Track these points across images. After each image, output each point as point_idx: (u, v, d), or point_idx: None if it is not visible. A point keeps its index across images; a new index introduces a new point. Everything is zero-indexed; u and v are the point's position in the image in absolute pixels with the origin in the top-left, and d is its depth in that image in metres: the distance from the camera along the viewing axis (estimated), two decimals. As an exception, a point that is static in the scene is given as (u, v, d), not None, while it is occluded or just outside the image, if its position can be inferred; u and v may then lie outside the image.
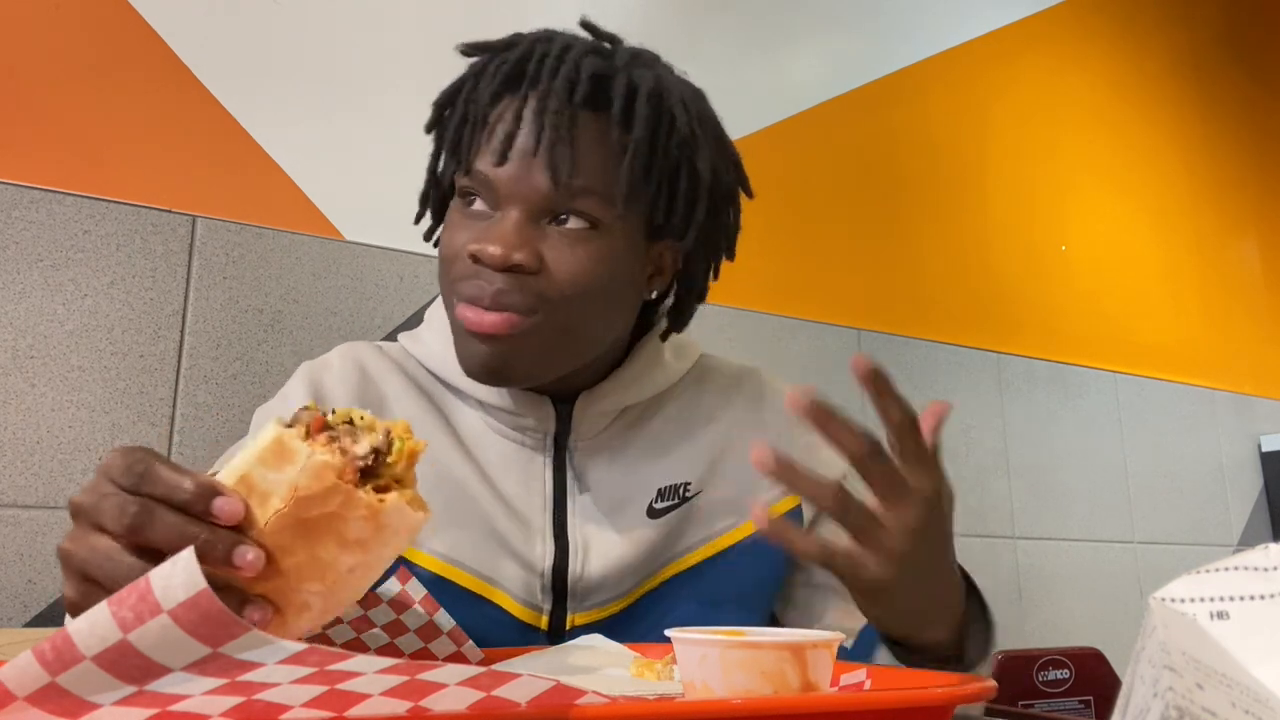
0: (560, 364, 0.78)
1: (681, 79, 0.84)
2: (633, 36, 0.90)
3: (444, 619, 0.65)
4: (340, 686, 0.35)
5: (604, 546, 0.81)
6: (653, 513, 0.83)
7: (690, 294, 0.87)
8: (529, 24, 1.48)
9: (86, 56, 1.23)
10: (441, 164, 0.85)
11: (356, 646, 0.61)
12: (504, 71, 0.78)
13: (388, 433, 0.47)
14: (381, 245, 1.38)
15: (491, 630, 0.79)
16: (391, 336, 1.35)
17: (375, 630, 0.63)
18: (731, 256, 0.87)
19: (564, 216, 0.75)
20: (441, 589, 0.76)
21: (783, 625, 0.90)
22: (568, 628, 0.81)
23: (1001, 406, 2.06)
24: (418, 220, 0.90)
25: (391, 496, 0.46)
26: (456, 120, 0.79)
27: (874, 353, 1.89)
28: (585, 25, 0.85)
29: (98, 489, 0.46)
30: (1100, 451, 2.22)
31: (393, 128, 1.43)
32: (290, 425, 0.46)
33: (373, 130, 1.42)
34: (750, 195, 0.86)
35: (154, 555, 0.45)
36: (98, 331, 1.18)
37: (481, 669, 0.36)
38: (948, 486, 0.65)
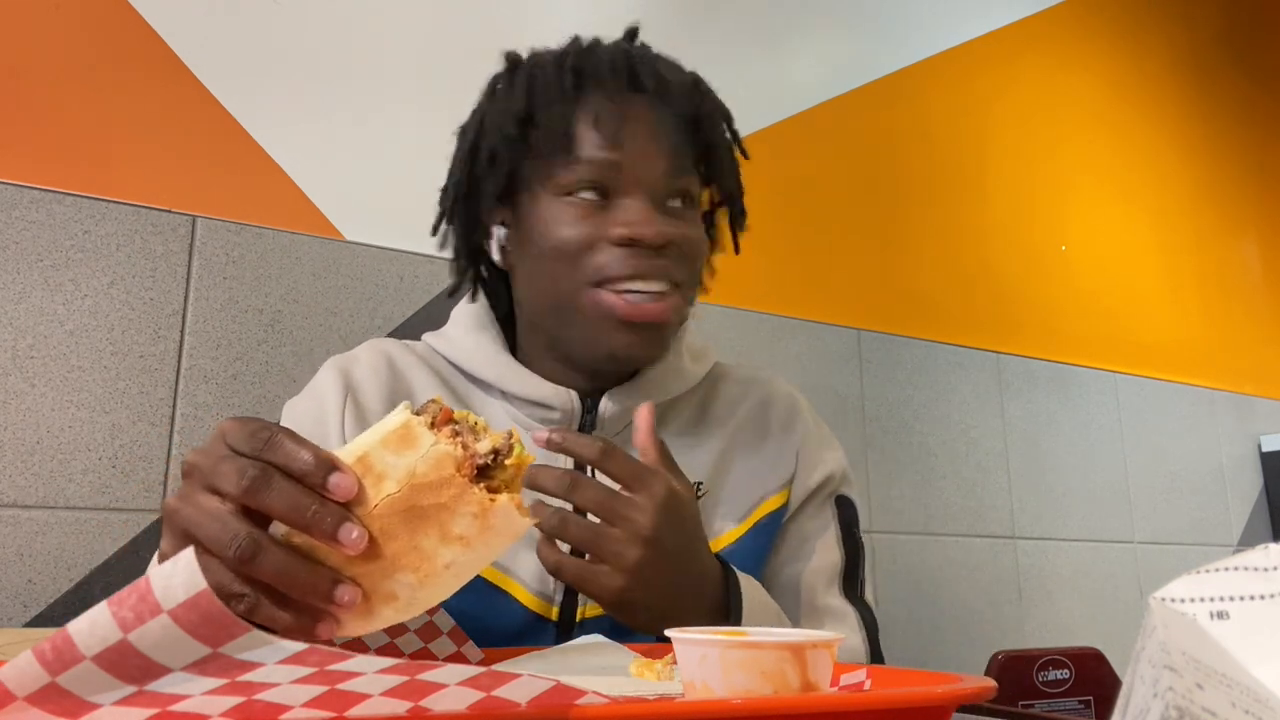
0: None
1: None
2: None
3: (444, 619, 0.65)
4: (340, 686, 0.35)
5: None
6: None
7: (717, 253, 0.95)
8: (529, 23, 1.49)
9: (86, 56, 1.23)
10: (519, 170, 0.85)
11: (357, 646, 0.61)
12: (569, 74, 0.82)
13: (510, 435, 0.48)
14: (381, 245, 1.38)
15: (503, 620, 0.80)
16: (392, 337, 1.35)
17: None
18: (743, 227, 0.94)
19: (673, 198, 0.82)
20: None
21: None
22: (577, 620, 0.82)
23: (1001, 406, 2.06)
24: (468, 234, 0.91)
25: (503, 497, 0.46)
26: (547, 123, 0.81)
27: (874, 352, 1.89)
28: (629, 32, 0.92)
29: (214, 451, 0.47)
30: (1100, 451, 2.22)
31: (393, 128, 1.43)
32: (419, 414, 0.47)
33: (373, 130, 1.42)
34: (746, 156, 0.93)
35: (261, 521, 0.47)
36: (98, 331, 1.18)
37: (481, 669, 0.36)
38: (678, 489, 0.69)
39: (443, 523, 0.46)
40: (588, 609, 0.83)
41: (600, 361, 0.82)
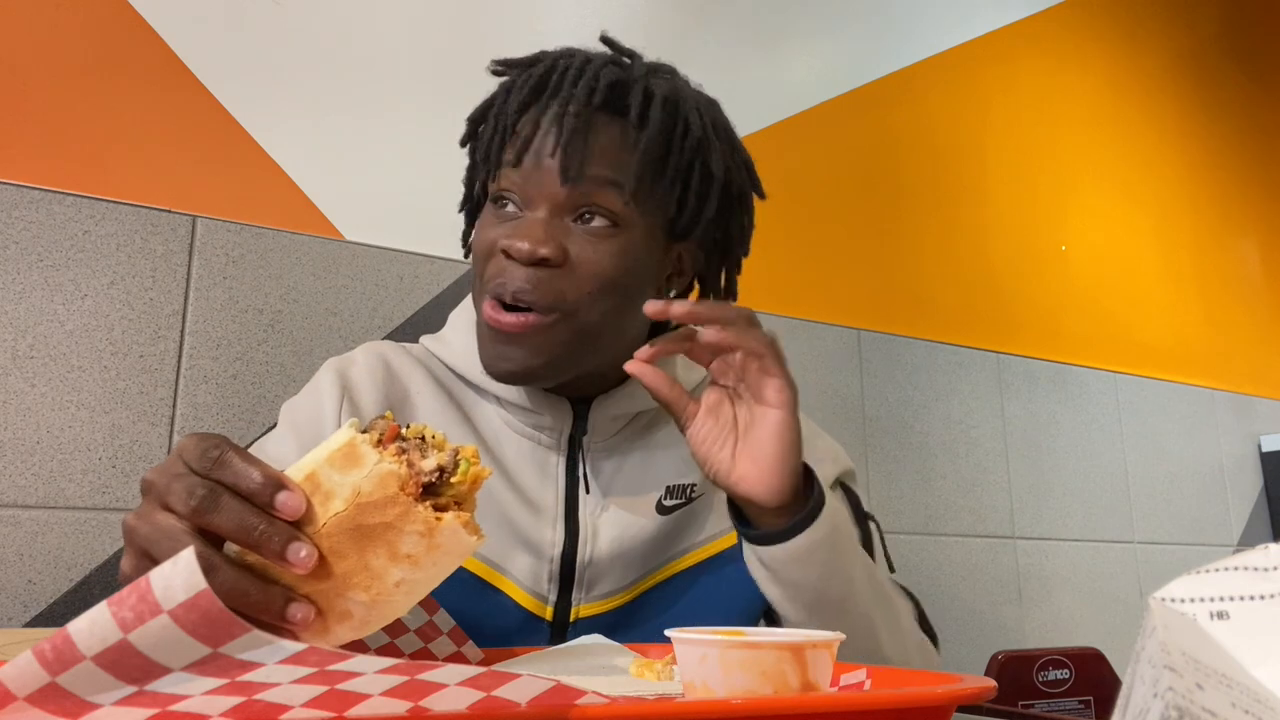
0: (578, 363, 0.81)
1: (697, 90, 0.88)
2: (633, 36, 0.90)
3: (444, 619, 0.65)
4: (340, 686, 0.35)
5: (614, 533, 0.83)
6: (661, 509, 0.86)
7: (708, 296, 0.90)
8: (530, 23, 1.49)
9: (86, 56, 1.23)
10: (476, 175, 0.89)
11: (357, 646, 0.61)
12: (529, 85, 0.82)
13: (455, 453, 0.47)
14: (381, 245, 1.38)
15: (496, 618, 0.80)
16: (391, 337, 1.35)
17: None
18: (746, 253, 0.91)
19: (588, 215, 0.78)
20: (452, 576, 0.77)
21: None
22: (571, 619, 0.82)
23: (1001, 406, 2.06)
24: (465, 238, 0.92)
25: (448, 517, 0.46)
26: (488, 132, 0.83)
27: (874, 352, 1.89)
28: (605, 40, 0.89)
29: (170, 469, 0.47)
30: (1100, 451, 2.22)
31: (393, 128, 1.43)
32: (365, 431, 0.46)
33: (373, 130, 1.42)
34: (763, 197, 0.90)
35: (215, 540, 0.47)
36: (98, 331, 1.18)
37: (481, 669, 0.36)
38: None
39: (390, 542, 0.45)
40: (582, 608, 0.83)
41: (489, 372, 0.81)
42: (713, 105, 0.87)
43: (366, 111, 1.42)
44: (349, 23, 1.43)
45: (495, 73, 0.88)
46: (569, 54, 0.85)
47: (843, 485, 0.92)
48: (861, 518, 0.90)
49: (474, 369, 0.86)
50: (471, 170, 0.89)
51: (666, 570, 0.86)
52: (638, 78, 0.82)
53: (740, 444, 0.74)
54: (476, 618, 0.77)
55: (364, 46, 1.43)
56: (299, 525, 0.45)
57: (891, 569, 0.90)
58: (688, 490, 0.87)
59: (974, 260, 2.12)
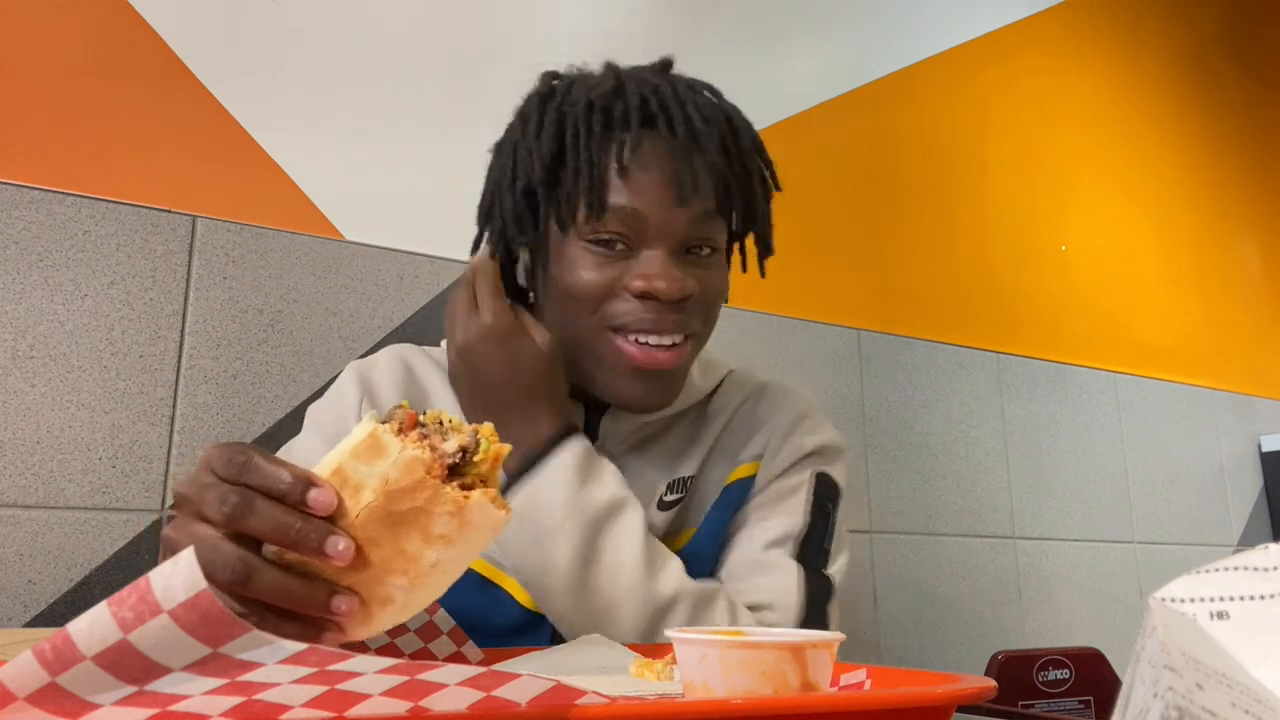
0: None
1: (703, 87, 0.90)
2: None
3: (444, 619, 0.65)
4: (340, 686, 0.35)
5: None
6: (663, 505, 0.88)
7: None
8: (531, 23, 1.48)
9: (86, 56, 1.23)
10: (552, 205, 0.85)
11: (357, 646, 0.61)
12: (600, 116, 0.82)
13: (475, 433, 0.49)
14: (381, 245, 1.38)
15: (498, 617, 0.81)
16: (392, 337, 1.35)
17: (375, 630, 0.63)
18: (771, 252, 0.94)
19: (699, 247, 0.83)
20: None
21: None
22: None
23: (1001, 406, 2.06)
24: (478, 243, 0.92)
25: (476, 494, 0.47)
26: (575, 165, 0.82)
27: (874, 352, 1.89)
28: (665, 63, 0.91)
29: (199, 480, 0.49)
30: (1100, 451, 2.22)
31: (393, 128, 1.43)
32: (384, 422, 0.48)
33: (373, 130, 1.42)
34: (778, 188, 0.92)
35: (253, 544, 0.48)
36: (98, 331, 1.18)
37: (481, 669, 0.36)
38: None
39: (423, 525, 0.47)
40: None
41: (612, 402, 0.85)
42: (736, 109, 0.90)
43: (366, 111, 1.42)
44: (349, 23, 1.43)
45: (546, 92, 0.87)
46: (613, 73, 0.86)
47: (819, 475, 0.91)
48: (820, 511, 0.89)
49: None
50: (530, 200, 0.85)
51: None
52: (686, 93, 0.84)
53: None
54: (479, 617, 0.78)
55: (364, 46, 1.43)
56: (333, 520, 0.47)
57: (823, 564, 0.87)
58: (684, 483, 0.90)
59: (974, 260, 2.12)
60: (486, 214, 0.89)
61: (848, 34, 2.03)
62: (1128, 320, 2.39)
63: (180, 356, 1.22)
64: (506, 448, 0.50)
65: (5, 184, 1.15)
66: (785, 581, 0.84)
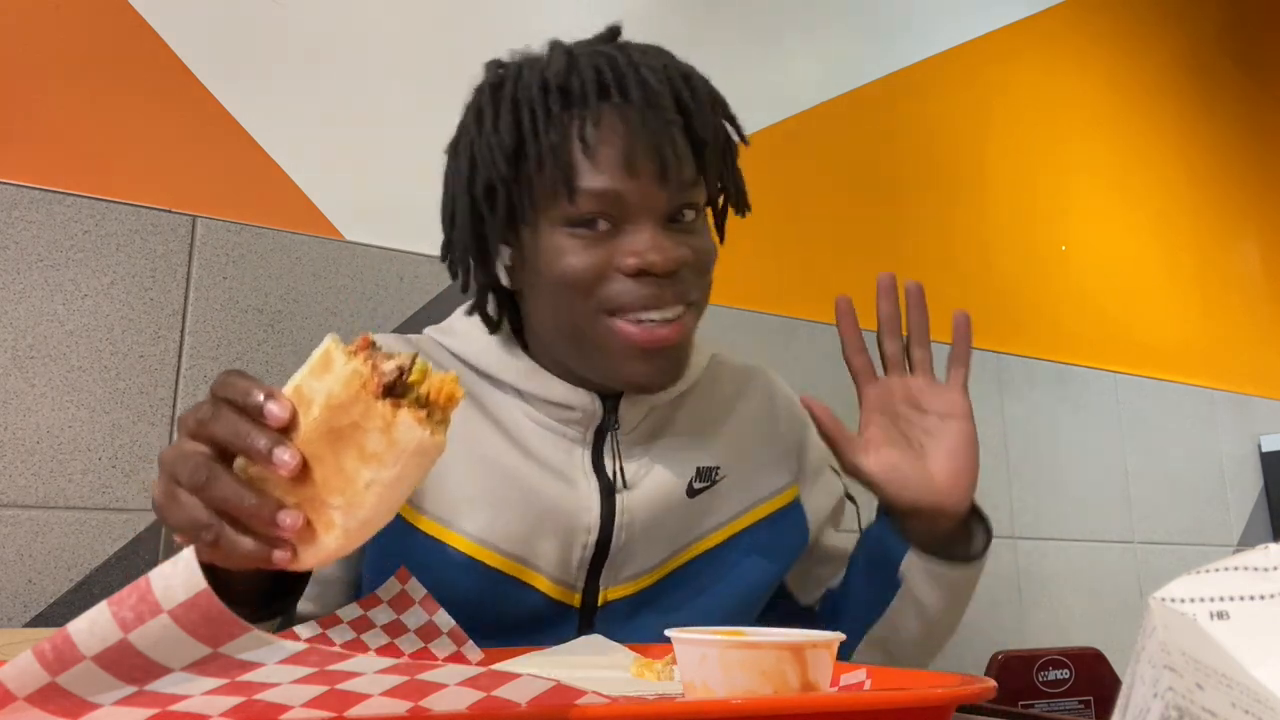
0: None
1: (655, 50, 0.87)
2: (633, 37, 0.90)
3: (444, 619, 0.65)
4: (340, 686, 0.35)
5: (646, 519, 0.84)
6: (691, 491, 0.88)
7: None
8: (530, 23, 1.48)
9: (87, 57, 1.23)
10: (515, 198, 0.81)
11: (356, 646, 0.61)
12: (557, 95, 0.79)
13: (414, 356, 0.50)
14: (381, 245, 1.38)
15: (525, 611, 0.80)
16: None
17: (375, 630, 0.63)
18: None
19: (679, 214, 0.81)
20: (474, 572, 0.77)
21: (793, 597, 0.98)
22: (599, 604, 0.83)
23: (1001, 406, 2.06)
24: (448, 249, 0.89)
25: (403, 411, 0.48)
26: (543, 159, 0.78)
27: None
28: (613, 32, 0.90)
29: (199, 404, 0.53)
30: (1100, 451, 2.22)
31: (393, 128, 1.43)
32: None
33: (373, 130, 1.42)
34: (745, 143, 0.90)
35: (227, 458, 0.51)
36: (98, 331, 1.18)
37: (481, 669, 0.36)
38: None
39: (358, 442, 0.48)
40: (610, 591, 0.84)
41: (618, 387, 0.84)
42: (692, 69, 0.87)
43: (366, 111, 1.41)
44: (349, 23, 1.43)
45: (495, 82, 0.83)
46: (560, 51, 0.83)
47: (832, 468, 0.97)
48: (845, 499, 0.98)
49: (492, 363, 0.86)
50: (498, 197, 0.81)
51: (692, 550, 0.88)
52: (639, 59, 0.81)
53: (929, 458, 0.89)
54: (502, 610, 0.79)
55: (364, 46, 1.43)
56: (287, 433, 0.50)
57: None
58: (713, 473, 0.89)
59: (974, 260, 2.12)
60: (451, 219, 0.85)
61: (848, 34, 2.03)
62: (1128, 320, 2.39)
63: (180, 356, 1.22)
64: (461, 392, 0.51)
65: (5, 184, 1.15)
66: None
